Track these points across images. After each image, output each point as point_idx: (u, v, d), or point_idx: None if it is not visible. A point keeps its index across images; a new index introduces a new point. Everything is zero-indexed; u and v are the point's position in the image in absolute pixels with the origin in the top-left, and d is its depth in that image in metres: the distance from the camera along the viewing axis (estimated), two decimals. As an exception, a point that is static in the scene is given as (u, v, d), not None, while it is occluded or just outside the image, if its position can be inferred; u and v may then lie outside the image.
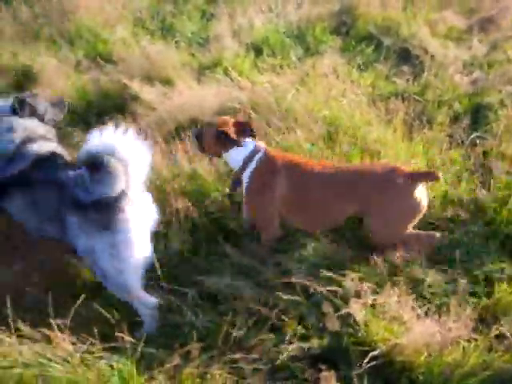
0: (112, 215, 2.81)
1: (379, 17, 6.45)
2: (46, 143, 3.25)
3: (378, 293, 2.82)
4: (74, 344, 2.64)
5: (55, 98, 3.73)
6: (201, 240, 3.41)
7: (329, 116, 4.29)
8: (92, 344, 2.65)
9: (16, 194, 3.13)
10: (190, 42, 6.04)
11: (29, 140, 3.21)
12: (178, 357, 2.59)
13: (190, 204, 3.47)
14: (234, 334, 2.75)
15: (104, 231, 2.83)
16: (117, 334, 2.60)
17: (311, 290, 2.84)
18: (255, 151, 3.30)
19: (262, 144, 3.38)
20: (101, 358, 2.61)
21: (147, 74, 4.91)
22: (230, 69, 5.17)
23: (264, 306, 2.90)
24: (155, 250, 3.01)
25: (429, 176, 3.13)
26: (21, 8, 6.57)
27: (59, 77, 5.15)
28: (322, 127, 4.13)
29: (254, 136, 3.36)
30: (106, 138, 2.76)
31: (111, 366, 2.58)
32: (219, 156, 3.42)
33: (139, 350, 2.64)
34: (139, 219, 2.88)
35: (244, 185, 3.33)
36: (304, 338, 2.78)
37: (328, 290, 2.79)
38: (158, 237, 3.37)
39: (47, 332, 2.69)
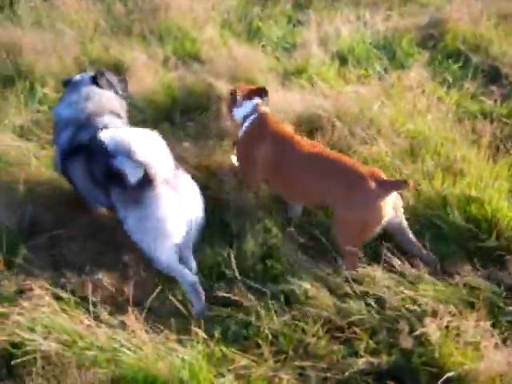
0: (143, 191, 2.97)
1: (469, 33, 6.27)
2: (115, 119, 3.52)
3: (454, 315, 2.76)
4: (148, 333, 2.73)
5: (120, 77, 4.06)
6: (276, 244, 3.42)
7: (412, 130, 4.24)
8: (166, 336, 2.73)
9: (79, 162, 3.37)
10: (276, 47, 6.08)
11: (101, 112, 3.52)
12: (250, 357, 2.63)
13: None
14: (306, 341, 2.76)
15: (135, 205, 3.01)
16: (193, 328, 2.68)
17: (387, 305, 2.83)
18: (252, 112, 3.73)
19: (264, 108, 3.78)
20: (173, 349, 2.67)
21: (233, 75, 4.98)
22: (314, 76, 5.19)
23: (337, 314, 2.90)
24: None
25: (399, 185, 3.17)
26: (115, 3, 6.78)
27: (147, 72, 5.29)
28: (405, 141, 4.09)
29: (263, 99, 3.82)
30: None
31: (182, 359, 2.63)
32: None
33: (212, 346, 2.70)
34: (173, 198, 3.01)
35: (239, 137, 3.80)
36: (374, 352, 2.76)
37: (404, 306, 2.77)
38: (233, 237, 3.44)
39: (124, 319, 2.81)
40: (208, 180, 3.85)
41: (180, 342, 2.74)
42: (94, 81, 3.71)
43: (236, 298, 2.94)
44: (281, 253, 3.32)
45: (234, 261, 3.03)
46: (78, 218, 3.65)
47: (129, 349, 2.62)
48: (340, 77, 5.37)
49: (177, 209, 3.03)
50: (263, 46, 6.00)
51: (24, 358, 2.62)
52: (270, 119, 3.70)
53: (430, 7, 7.22)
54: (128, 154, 2.89)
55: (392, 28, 6.47)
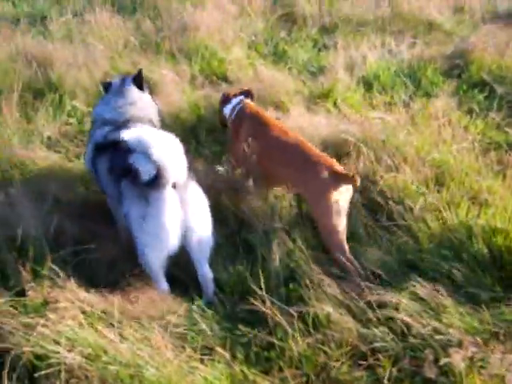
0: (150, 190, 3.03)
1: (494, 63, 6.28)
2: (147, 126, 3.63)
3: (480, 346, 2.74)
4: (170, 350, 2.74)
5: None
6: (299, 267, 3.42)
7: (438, 159, 4.24)
8: (189, 354, 2.74)
9: (105, 157, 3.49)
10: (302, 70, 6.13)
11: (137, 118, 3.70)
12: (272, 380, 2.63)
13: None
14: (329, 365, 2.75)
15: (139, 201, 3.09)
16: (216, 348, 2.69)
17: (412, 331, 2.82)
18: (238, 104, 4.30)
19: (248, 101, 4.33)
20: (196, 368, 2.68)
21: (260, 96, 5.01)
22: (340, 100, 5.23)
23: (360, 340, 2.89)
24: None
25: (348, 179, 3.44)
26: (144, 21, 6.93)
27: (175, 89, 5.37)
28: (430, 170, 4.09)
29: (250, 98, 4.40)
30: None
31: (205, 379, 2.63)
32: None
33: (234, 366, 2.71)
34: (176, 205, 3.07)
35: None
36: (397, 380, 2.74)
37: (428, 335, 2.76)
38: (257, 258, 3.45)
39: (148, 335, 2.82)
40: (233, 200, 3.85)
41: (202, 361, 2.75)
42: (135, 82, 3.91)
43: (263, 313, 2.97)
44: (304, 276, 3.31)
45: (262, 279, 3.04)
46: (103, 231, 3.68)
47: (152, 366, 2.63)
48: (365, 102, 5.40)
49: (177, 217, 3.09)
50: (289, 68, 6.04)
51: (48, 371, 2.63)
52: (251, 106, 4.26)
53: (455, 36, 7.24)
54: (145, 152, 2.97)
55: (417, 56, 6.50)
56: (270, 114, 4.32)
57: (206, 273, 3.37)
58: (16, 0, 8.10)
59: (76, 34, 6.57)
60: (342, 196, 3.45)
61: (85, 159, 3.88)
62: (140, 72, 3.96)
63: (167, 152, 3.01)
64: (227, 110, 4.38)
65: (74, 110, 5.12)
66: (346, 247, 3.44)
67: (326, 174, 3.46)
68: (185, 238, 3.17)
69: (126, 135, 3.09)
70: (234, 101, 4.35)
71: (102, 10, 7.04)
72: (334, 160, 3.63)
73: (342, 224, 3.46)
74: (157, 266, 3.21)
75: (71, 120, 4.95)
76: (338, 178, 3.45)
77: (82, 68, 5.64)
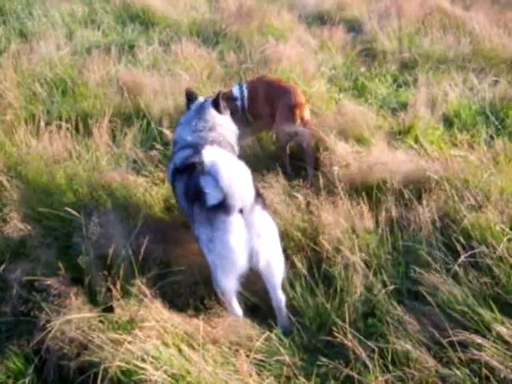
0: (217, 214, 3.14)
1: None
2: (224, 150, 3.67)
3: None
4: (253, 377, 2.79)
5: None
6: (379, 301, 3.42)
7: (522, 200, 4.15)
8: (271, 382, 2.79)
9: (183, 178, 3.65)
10: (382, 105, 6.16)
11: (217, 142, 3.83)
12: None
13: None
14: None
15: (207, 224, 3.21)
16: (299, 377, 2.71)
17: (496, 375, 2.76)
18: (241, 85, 5.49)
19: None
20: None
21: (341, 130, 5.08)
22: (421, 137, 5.23)
23: (440, 381, 2.85)
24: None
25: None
26: (228, 52, 7.18)
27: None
28: (514, 211, 4.02)
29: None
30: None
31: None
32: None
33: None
34: (242, 229, 3.16)
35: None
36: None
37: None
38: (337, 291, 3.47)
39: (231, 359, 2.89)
40: (316, 234, 3.90)
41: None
42: (215, 104, 4.13)
43: (341, 346, 2.98)
44: (384, 311, 3.30)
45: (343, 311, 3.05)
46: (186, 255, 3.80)
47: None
48: (446, 140, 5.37)
49: (243, 239, 3.17)
50: (369, 103, 6.08)
51: (134, 387, 2.74)
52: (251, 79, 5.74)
53: (539, 75, 7.10)
54: (214, 177, 3.04)
55: (499, 94, 6.39)
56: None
57: (278, 297, 3.43)
58: (106, 29, 8.53)
59: (162, 63, 6.85)
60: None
61: (167, 174, 4.10)
62: (219, 95, 4.15)
63: (235, 179, 3.06)
64: (236, 92, 5.42)
65: (160, 135, 5.31)
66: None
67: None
68: (254, 261, 3.24)
69: (202, 158, 3.17)
70: (236, 88, 5.46)
71: (188, 40, 7.33)
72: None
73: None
74: (228, 288, 3.30)
75: (157, 145, 5.12)
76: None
77: (168, 96, 5.85)
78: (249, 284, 3.39)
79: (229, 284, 3.28)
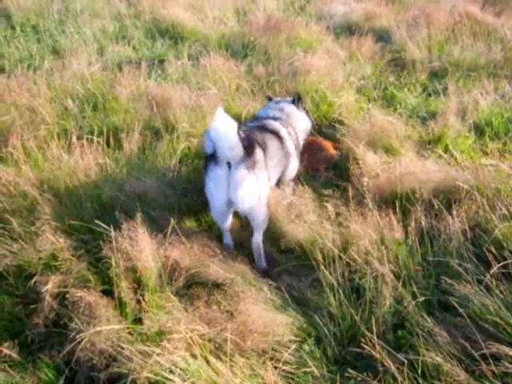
0: (210, 163, 3.94)
1: None
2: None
3: None
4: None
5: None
6: (409, 313, 3.37)
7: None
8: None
9: None
10: (411, 115, 6.12)
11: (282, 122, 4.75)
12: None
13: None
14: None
15: (205, 170, 4.04)
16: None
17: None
18: None
19: None
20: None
21: (371, 140, 5.06)
22: (451, 146, 5.17)
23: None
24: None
25: None
26: (257, 65, 7.22)
27: (283, 131, 5.51)
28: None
29: None
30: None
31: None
32: None
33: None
34: (224, 181, 3.90)
35: None
36: None
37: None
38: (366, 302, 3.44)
39: (259, 371, 2.88)
40: (346, 245, 3.89)
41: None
42: (293, 101, 5.08)
43: (371, 358, 2.96)
44: (414, 324, 3.26)
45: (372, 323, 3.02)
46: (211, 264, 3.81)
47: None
48: (477, 149, 5.30)
49: (221, 189, 3.93)
50: (399, 113, 6.04)
51: (162, 398, 2.75)
52: None
53: None
54: (209, 131, 3.79)
55: (532, 102, 6.30)
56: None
57: (254, 240, 4.14)
58: (136, 44, 8.66)
59: (191, 77, 6.92)
60: None
61: None
62: (298, 95, 5.19)
63: (222, 135, 3.73)
64: None
65: (188, 149, 5.36)
66: None
67: None
68: (234, 207, 4.04)
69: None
70: None
71: (216, 54, 7.39)
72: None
73: None
74: (218, 220, 4.24)
75: (186, 161, 5.18)
76: None
77: (196, 109, 5.91)
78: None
79: (217, 217, 4.20)
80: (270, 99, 5.28)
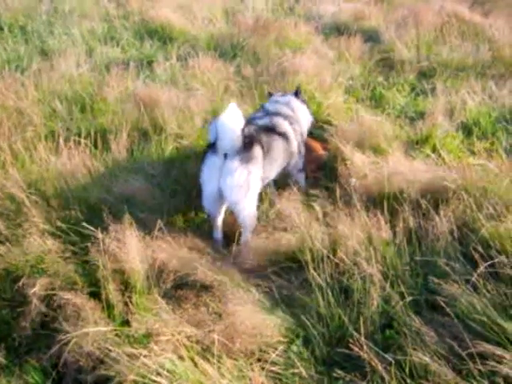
0: (209, 151, 4.14)
1: None
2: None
3: None
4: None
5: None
6: (396, 313, 3.37)
7: (542, 209, 4.08)
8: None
9: None
10: (399, 115, 6.13)
11: (286, 116, 4.84)
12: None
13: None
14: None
15: (203, 158, 4.21)
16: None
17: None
18: None
19: None
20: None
21: (359, 140, 5.07)
22: (439, 146, 5.19)
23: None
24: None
25: None
26: (245, 66, 7.23)
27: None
28: (535, 220, 3.95)
29: None
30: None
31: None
32: None
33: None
34: (217, 170, 4.04)
35: None
36: None
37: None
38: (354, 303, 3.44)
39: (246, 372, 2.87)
40: (334, 246, 3.88)
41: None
42: (295, 94, 5.20)
43: (359, 358, 2.95)
44: (402, 324, 3.26)
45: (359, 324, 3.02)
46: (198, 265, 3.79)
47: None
48: (465, 148, 5.32)
49: (213, 178, 4.05)
50: (387, 113, 6.05)
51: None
52: None
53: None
54: (216, 122, 4.01)
55: (519, 102, 6.32)
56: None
57: (242, 238, 4.21)
58: (125, 45, 8.63)
59: (180, 78, 6.90)
60: None
61: None
62: (299, 88, 5.33)
63: (224, 126, 3.94)
64: None
65: (177, 150, 5.35)
66: None
67: None
68: (223, 198, 4.12)
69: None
70: None
71: (205, 55, 7.38)
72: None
73: None
74: (209, 210, 4.30)
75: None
76: None
77: (184, 110, 5.89)
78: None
79: (208, 206, 4.24)
80: (270, 95, 5.37)
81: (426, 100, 6.50)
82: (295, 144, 4.76)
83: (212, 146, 4.09)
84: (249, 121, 4.58)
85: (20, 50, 8.19)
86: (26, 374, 3.18)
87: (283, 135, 4.62)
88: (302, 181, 4.96)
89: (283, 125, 4.69)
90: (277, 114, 4.81)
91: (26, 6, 10.17)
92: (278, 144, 4.53)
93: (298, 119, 4.94)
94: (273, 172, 4.57)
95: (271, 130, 4.57)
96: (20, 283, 3.59)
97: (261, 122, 4.64)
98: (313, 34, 8.85)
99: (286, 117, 4.80)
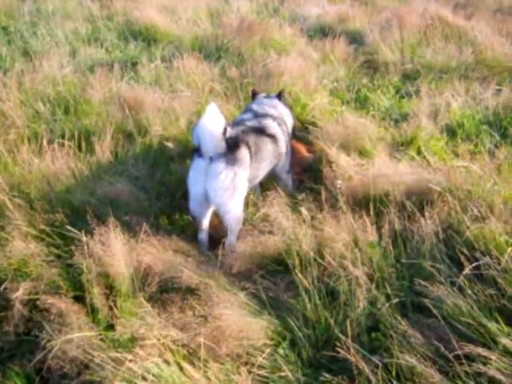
0: (195, 155, 4.17)
1: None
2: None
3: None
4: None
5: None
6: (383, 315, 3.38)
7: (526, 211, 4.11)
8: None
9: None
10: (384, 117, 6.15)
11: (273, 117, 4.85)
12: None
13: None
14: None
15: (191, 161, 4.30)
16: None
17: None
18: None
19: None
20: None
21: (344, 142, 5.08)
22: (423, 148, 5.21)
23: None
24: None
25: None
26: (230, 68, 7.21)
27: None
28: (518, 221, 3.98)
29: None
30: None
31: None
32: None
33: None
34: (203, 173, 4.07)
35: None
36: None
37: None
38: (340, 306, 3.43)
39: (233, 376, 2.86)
40: (320, 248, 3.87)
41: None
42: (279, 97, 5.24)
43: (345, 361, 2.95)
44: (388, 326, 3.27)
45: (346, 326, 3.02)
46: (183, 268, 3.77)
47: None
48: (449, 150, 5.35)
49: (199, 180, 4.08)
50: (372, 115, 6.06)
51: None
52: None
53: (542, 83, 7.06)
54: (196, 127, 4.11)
55: (502, 103, 6.36)
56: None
57: (227, 240, 4.21)
58: (109, 47, 8.57)
59: (164, 79, 6.87)
60: None
61: None
62: (282, 91, 5.39)
63: (205, 129, 3.96)
64: None
65: (162, 153, 5.33)
66: None
67: None
68: (208, 201, 4.15)
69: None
70: None
71: (190, 56, 7.35)
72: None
73: None
74: (195, 213, 4.30)
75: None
76: None
77: (169, 112, 5.87)
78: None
79: (194, 209, 4.25)
80: (254, 94, 5.37)
81: (411, 102, 6.51)
82: (283, 145, 4.76)
83: (197, 150, 4.11)
84: (237, 122, 4.62)
85: (2, 50, 8.09)
86: (8, 379, 3.15)
87: (273, 137, 4.63)
88: (290, 182, 4.96)
89: (272, 126, 4.70)
90: (266, 115, 4.82)
91: (9, 6, 10.09)
92: (266, 145, 4.53)
93: (284, 121, 4.96)
94: (261, 173, 4.59)
95: (261, 131, 4.57)
96: (3, 287, 3.56)
97: (250, 124, 4.63)
98: (297, 35, 8.85)
99: (274, 118, 4.82)
